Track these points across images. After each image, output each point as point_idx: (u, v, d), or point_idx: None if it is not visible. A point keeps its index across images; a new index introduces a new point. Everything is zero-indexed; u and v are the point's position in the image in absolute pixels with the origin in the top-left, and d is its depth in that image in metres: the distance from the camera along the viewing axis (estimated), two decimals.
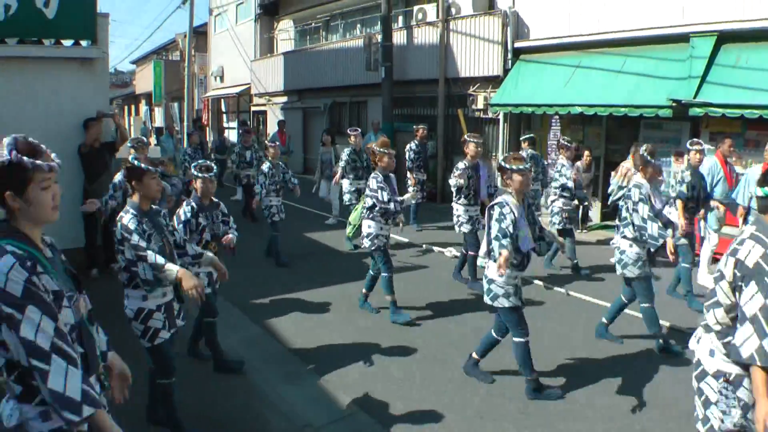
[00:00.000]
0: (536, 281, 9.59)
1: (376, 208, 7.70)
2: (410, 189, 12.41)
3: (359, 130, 12.76)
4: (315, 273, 9.30)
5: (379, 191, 7.62)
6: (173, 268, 4.35)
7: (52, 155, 2.70)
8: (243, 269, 10.22)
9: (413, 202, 7.54)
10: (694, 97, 10.90)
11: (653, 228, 6.32)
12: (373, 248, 7.85)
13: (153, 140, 39.33)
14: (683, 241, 8.19)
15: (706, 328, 3.46)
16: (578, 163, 12.13)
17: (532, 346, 5.76)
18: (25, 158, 2.56)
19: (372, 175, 7.91)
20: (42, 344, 2.45)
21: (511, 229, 5.38)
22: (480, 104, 16.20)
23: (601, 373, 6.29)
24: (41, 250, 2.67)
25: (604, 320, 7.19)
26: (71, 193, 9.08)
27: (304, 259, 11.02)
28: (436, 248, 11.67)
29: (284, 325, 7.77)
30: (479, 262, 9.06)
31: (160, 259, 4.37)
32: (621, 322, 7.29)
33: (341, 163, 12.44)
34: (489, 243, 5.58)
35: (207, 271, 6.15)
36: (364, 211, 7.96)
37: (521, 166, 5.47)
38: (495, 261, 5.36)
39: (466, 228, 9.13)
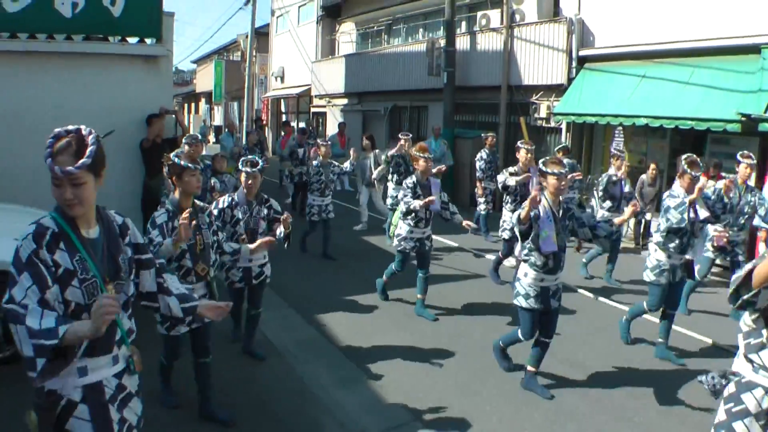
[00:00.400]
0: (581, 290, 9.63)
1: (407, 211, 7.90)
2: (480, 200, 12.48)
3: (410, 135, 12.73)
4: (370, 275, 9.32)
5: (406, 189, 7.93)
6: (168, 245, 4.52)
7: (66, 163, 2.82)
8: (298, 268, 10.46)
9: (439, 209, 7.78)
10: (765, 112, 10.67)
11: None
12: (398, 248, 8.21)
13: (212, 138, 40.04)
14: None
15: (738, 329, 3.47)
16: (643, 177, 12.05)
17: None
18: (48, 160, 2.79)
19: (409, 177, 8.14)
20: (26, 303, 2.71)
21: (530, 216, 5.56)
22: (543, 113, 16.11)
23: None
24: (78, 229, 2.91)
25: (660, 339, 7.17)
26: (132, 186, 9.38)
27: (360, 261, 11.07)
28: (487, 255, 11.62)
29: (339, 327, 7.83)
30: (506, 262, 9.85)
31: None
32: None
33: (382, 165, 12.47)
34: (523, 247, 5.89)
35: (245, 266, 6.39)
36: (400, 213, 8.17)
37: (558, 170, 5.60)
38: (528, 261, 5.82)
39: (506, 234, 9.38)
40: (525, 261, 5.87)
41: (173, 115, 10.04)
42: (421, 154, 7.98)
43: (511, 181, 9.07)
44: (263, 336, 7.24)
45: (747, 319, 3.36)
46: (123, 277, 3.07)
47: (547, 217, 5.64)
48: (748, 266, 3.14)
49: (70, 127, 2.89)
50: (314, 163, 11.06)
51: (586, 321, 8.28)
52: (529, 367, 6.12)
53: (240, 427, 5.25)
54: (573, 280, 9.92)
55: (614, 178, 10.08)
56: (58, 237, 2.85)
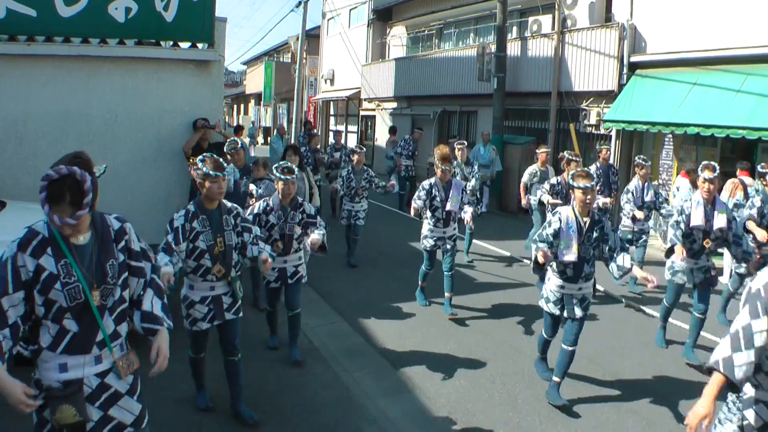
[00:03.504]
0: (623, 300, 9.60)
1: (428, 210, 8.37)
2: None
3: (465, 143, 12.66)
4: (417, 282, 9.08)
5: (420, 191, 8.36)
6: (168, 270, 4.54)
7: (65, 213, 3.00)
8: (346, 274, 10.53)
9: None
10: None
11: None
12: (422, 247, 8.63)
13: (260, 139, 40.44)
14: None
15: None
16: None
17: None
18: (45, 207, 2.98)
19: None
20: None
21: (550, 235, 5.73)
22: (593, 119, 16.02)
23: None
24: (67, 236, 3.11)
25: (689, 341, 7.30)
26: (180, 189, 9.62)
27: (406, 267, 10.92)
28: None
29: (386, 335, 7.84)
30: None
31: (162, 261, 4.58)
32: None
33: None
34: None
35: (280, 267, 6.55)
36: None
37: (586, 184, 5.64)
38: (551, 265, 5.97)
39: None
40: (550, 266, 6.01)
41: (214, 129, 9.98)
42: (441, 165, 8.25)
43: (545, 198, 9.53)
44: (310, 343, 7.34)
45: None
46: (110, 283, 3.25)
47: (570, 228, 5.70)
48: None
49: (63, 170, 2.96)
50: (343, 171, 11.20)
51: (626, 331, 8.27)
52: (554, 378, 6.07)
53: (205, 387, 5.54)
54: (617, 289, 9.94)
55: (626, 190, 9.93)
56: (46, 243, 3.10)
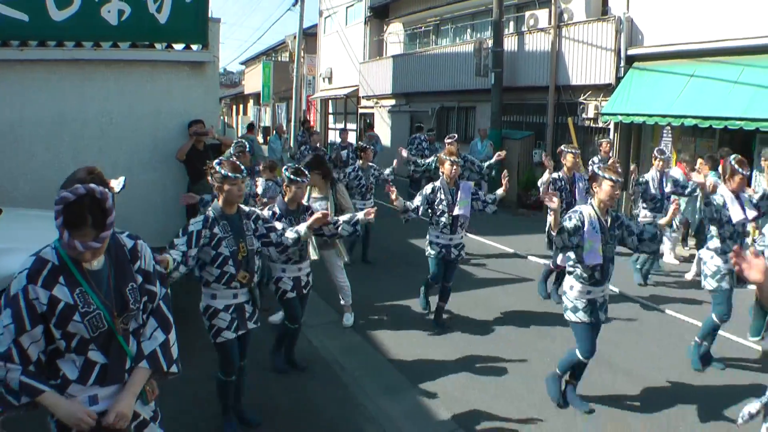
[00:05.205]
0: (639, 300, 9.45)
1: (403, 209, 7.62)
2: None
3: (455, 136, 12.56)
4: (417, 280, 8.84)
5: (417, 197, 7.71)
6: (175, 275, 4.47)
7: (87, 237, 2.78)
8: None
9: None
10: None
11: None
12: (427, 254, 7.93)
13: (260, 139, 40.40)
14: None
15: None
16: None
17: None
18: (65, 234, 2.73)
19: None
20: None
21: (570, 227, 5.31)
22: (590, 113, 16.04)
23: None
24: (80, 262, 2.89)
25: (696, 339, 6.96)
26: (175, 192, 9.51)
27: (406, 265, 10.92)
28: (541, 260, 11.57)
29: (386, 334, 7.76)
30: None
31: (171, 265, 4.41)
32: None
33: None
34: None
35: (294, 276, 6.29)
36: None
37: (616, 177, 5.31)
38: (573, 273, 5.58)
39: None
40: (570, 273, 5.62)
41: (206, 135, 9.78)
42: (448, 158, 7.62)
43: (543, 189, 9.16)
44: (309, 343, 7.28)
45: None
46: (132, 309, 3.05)
47: (593, 228, 5.36)
48: None
49: (80, 189, 2.73)
50: (349, 168, 11.03)
51: (648, 332, 8.11)
52: (565, 378, 5.96)
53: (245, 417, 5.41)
54: (628, 288, 9.92)
55: (642, 180, 9.87)
56: (57, 271, 2.86)
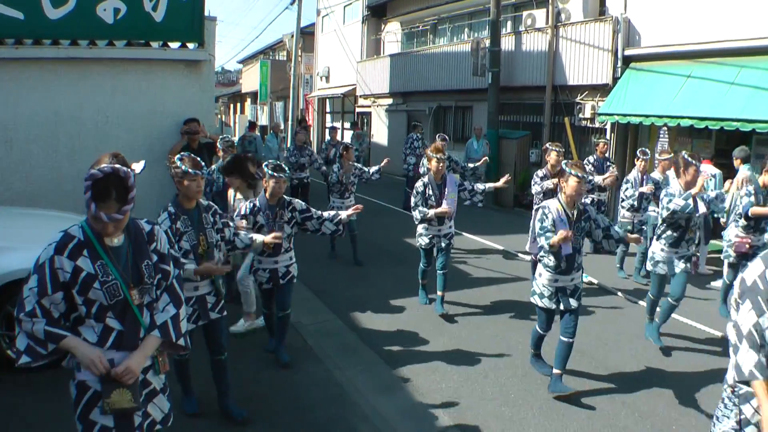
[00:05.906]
0: (618, 293, 9.56)
1: (422, 219, 8.15)
2: None
3: (445, 136, 12.70)
4: (411, 278, 9.10)
5: (415, 195, 8.17)
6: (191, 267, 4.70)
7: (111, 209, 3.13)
8: (339, 272, 10.50)
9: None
10: None
11: None
12: (418, 245, 8.45)
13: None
14: None
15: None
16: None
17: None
18: (92, 205, 3.09)
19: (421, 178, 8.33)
20: (25, 303, 3.16)
21: (550, 226, 5.77)
22: (587, 113, 16.06)
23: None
24: (102, 238, 3.24)
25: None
26: (172, 189, 9.47)
27: (400, 264, 10.94)
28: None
29: (380, 332, 7.81)
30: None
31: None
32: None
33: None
34: (533, 239, 6.33)
35: (271, 267, 6.45)
36: None
37: (581, 174, 5.73)
38: (542, 261, 6.05)
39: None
40: (540, 261, 6.08)
41: (197, 134, 9.67)
42: (434, 155, 8.03)
43: (536, 189, 9.39)
44: (303, 341, 7.31)
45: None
46: (147, 282, 3.38)
47: (560, 220, 5.79)
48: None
49: (105, 167, 3.11)
50: (334, 166, 11.01)
51: (629, 325, 8.18)
52: (554, 370, 6.09)
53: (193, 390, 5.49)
54: (613, 282, 9.95)
55: (625, 180, 10.05)
56: (82, 245, 3.22)
